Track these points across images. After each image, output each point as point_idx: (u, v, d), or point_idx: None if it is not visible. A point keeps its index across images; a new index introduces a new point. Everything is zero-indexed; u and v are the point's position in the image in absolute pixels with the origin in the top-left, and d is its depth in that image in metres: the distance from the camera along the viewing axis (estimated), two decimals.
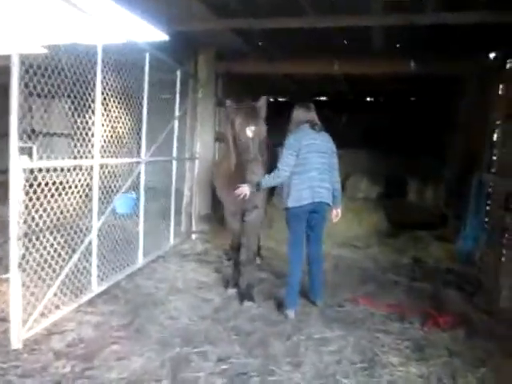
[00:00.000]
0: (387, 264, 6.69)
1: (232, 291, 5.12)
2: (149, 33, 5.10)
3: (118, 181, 4.69)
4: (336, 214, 4.81)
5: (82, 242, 4.03)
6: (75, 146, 3.94)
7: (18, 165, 3.07)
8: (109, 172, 4.48)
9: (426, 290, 5.63)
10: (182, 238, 7.20)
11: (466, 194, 7.90)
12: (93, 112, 4.05)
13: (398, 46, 6.89)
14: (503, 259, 5.35)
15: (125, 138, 4.81)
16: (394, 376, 3.54)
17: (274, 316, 4.61)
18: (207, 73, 7.36)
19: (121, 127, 4.71)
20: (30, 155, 3.17)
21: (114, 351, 3.67)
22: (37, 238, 3.52)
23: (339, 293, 5.37)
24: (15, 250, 3.11)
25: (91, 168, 4.10)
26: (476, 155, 7.34)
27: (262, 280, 5.68)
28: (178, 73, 6.32)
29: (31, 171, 3.28)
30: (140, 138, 5.20)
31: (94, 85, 4.03)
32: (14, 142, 3.03)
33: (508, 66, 6.68)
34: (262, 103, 4.44)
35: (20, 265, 3.17)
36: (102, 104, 4.13)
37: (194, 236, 7.58)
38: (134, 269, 5.35)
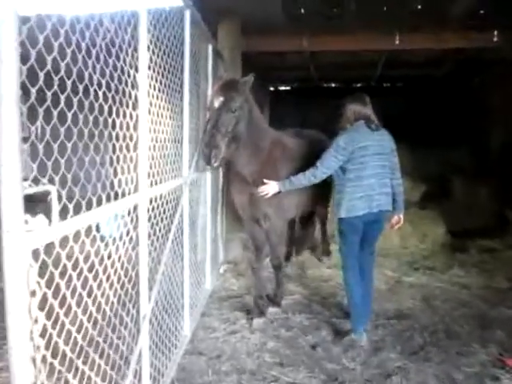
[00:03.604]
0: (485, 293, 5.19)
1: (258, 322, 4.29)
2: None
3: (165, 218, 2.83)
4: (398, 220, 4.22)
5: (128, 347, 2.18)
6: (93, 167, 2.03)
7: (22, 243, 1.21)
8: (153, 209, 2.61)
9: None
10: (215, 277, 5.35)
11: None
12: (134, 107, 2.19)
13: (481, 12, 5.34)
14: None
15: (167, 146, 2.94)
16: None
17: None
18: (231, 49, 5.51)
19: (163, 130, 2.84)
20: (47, 212, 1.32)
21: None
22: (59, 372, 1.64)
23: (468, 349, 3.84)
24: None
25: (134, 209, 2.24)
26: None
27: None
28: (210, 47, 4.45)
29: (47, 248, 1.40)
30: (181, 145, 3.34)
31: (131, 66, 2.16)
32: (15, 190, 1.16)
33: None
34: (245, 79, 3.89)
35: None
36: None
37: (222, 269, 5.75)
38: (182, 349, 3.51)
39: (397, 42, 5.59)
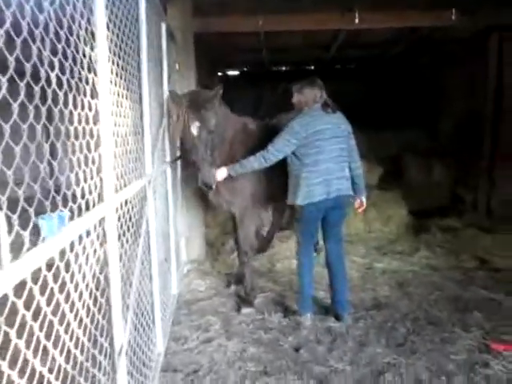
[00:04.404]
0: (455, 274, 5.19)
1: (248, 311, 4.27)
2: None
3: (132, 226, 2.40)
4: (360, 203, 4.17)
5: None
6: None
7: None
8: (119, 218, 2.18)
9: None
10: (179, 279, 4.94)
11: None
12: (92, 95, 1.75)
13: None
14: None
15: (128, 141, 2.49)
16: None
17: None
18: (183, 31, 5.05)
19: (124, 122, 2.39)
20: None
21: None
22: None
23: (452, 336, 3.77)
24: None
25: (99, 223, 1.81)
26: None
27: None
28: (164, 26, 3.97)
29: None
30: (142, 139, 2.89)
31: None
32: None
33: None
34: (213, 94, 3.84)
35: None
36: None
37: (186, 268, 5.35)
38: (158, 370, 3.12)
39: (357, 21, 5.37)
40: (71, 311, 1.47)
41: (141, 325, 2.74)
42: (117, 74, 2.29)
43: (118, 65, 2.32)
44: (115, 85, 2.23)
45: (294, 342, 3.74)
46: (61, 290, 1.39)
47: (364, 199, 4.18)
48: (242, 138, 4.33)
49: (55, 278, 1.35)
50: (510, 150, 6.46)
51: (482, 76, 6.80)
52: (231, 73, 10.43)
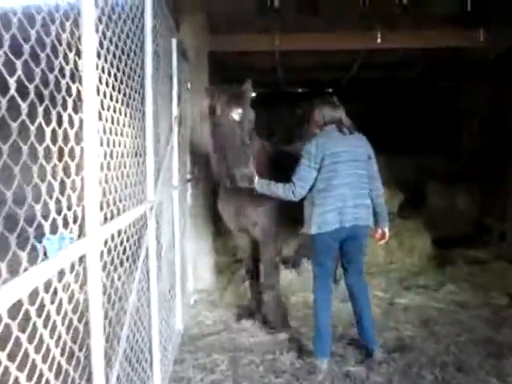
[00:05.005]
0: (484, 312, 4.74)
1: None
2: None
3: (126, 260, 2.10)
4: (381, 234, 3.78)
5: None
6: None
7: None
8: (110, 251, 1.88)
9: None
10: (185, 310, 4.59)
11: None
12: (75, 109, 1.47)
13: (469, 10, 4.96)
14: None
15: (126, 163, 2.22)
16: None
17: None
18: (197, 49, 4.85)
19: (120, 141, 2.12)
20: None
21: None
22: None
23: None
24: None
25: (80, 261, 1.51)
26: None
27: None
28: (174, 42, 3.75)
29: None
30: (144, 161, 2.62)
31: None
32: None
33: None
34: (246, 87, 3.75)
35: None
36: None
37: (192, 299, 5.00)
38: None
39: (379, 41, 5.10)
40: (30, 379, 1.15)
41: (135, 371, 2.40)
42: (113, 88, 2.02)
43: (115, 76, 2.05)
44: (110, 99, 1.96)
45: None
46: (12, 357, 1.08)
47: (387, 230, 3.81)
48: (265, 160, 4.03)
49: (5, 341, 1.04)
50: None
51: (508, 95, 6.44)
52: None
